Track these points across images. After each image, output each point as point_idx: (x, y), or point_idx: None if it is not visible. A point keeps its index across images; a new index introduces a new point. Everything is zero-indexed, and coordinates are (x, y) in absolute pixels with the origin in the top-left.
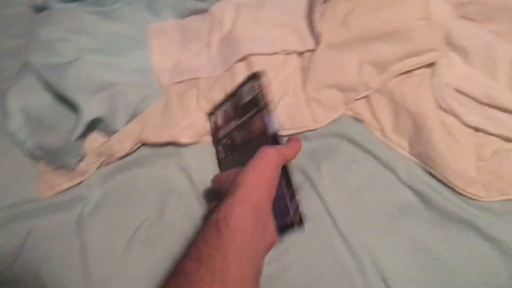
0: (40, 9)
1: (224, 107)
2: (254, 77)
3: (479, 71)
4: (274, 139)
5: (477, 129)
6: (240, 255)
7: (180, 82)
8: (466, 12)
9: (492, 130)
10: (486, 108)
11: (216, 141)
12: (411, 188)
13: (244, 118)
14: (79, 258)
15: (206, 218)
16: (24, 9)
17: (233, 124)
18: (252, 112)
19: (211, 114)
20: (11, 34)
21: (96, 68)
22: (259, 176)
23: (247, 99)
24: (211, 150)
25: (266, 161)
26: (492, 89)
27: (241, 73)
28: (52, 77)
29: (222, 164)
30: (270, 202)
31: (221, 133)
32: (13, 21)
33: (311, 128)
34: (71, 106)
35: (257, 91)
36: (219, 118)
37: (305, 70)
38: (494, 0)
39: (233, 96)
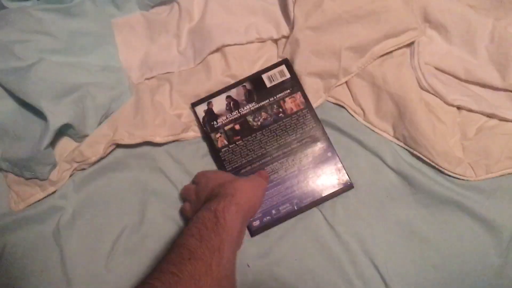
0: None
1: (225, 95)
2: (282, 62)
3: (458, 47)
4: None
5: (459, 108)
6: (231, 244)
7: (151, 77)
8: None
9: (474, 108)
10: (467, 85)
11: (212, 130)
12: (397, 171)
13: (266, 101)
14: (60, 271)
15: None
16: None
17: (246, 108)
18: (281, 94)
19: (196, 104)
20: None
21: (60, 70)
22: (255, 191)
23: (277, 81)
24: (188, 147)
25: (260, 184)
26: (472, 65)
27: (216, 65)
28: (13, 82)
29: (222, 152)
30: (253, 215)
31: (222, 120)
32: None
33: None
34: (37, 112)
35: (289, 74)
36: (216, 106)
37: (280, 57)
38: None
39: (243, 82)
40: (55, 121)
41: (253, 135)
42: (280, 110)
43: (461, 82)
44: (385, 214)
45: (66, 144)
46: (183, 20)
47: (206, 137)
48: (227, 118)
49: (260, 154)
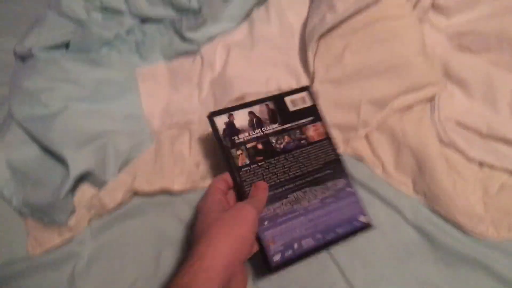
0: (23, 57)
1: (247, 110)
2: (305, 89)
3: (480, 103)
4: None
5: (481, 164)
6: None
7: (171, 126)
8: (463, 42)
9: (497, 164)
10: (489, 141)
11: (233, 145)
12: (417, 227)
13: (289, 125)
14: None
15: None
16: (5, 56)
17: (269, 128)
18: (304, 120)
19: (216, 114)
20: None
21: (84, 118)
22: (238, 231)
23: (299, 107)
24: None
25: (245, 215)
26: (494, 121)
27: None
28: (38, 129)
29: (242, 171)
30: (243, 260)
31: (244, 136)
32: None
33: None
34: (58, 161)
35: (311, 102)
36: (239, 119)
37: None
38: (491, 29)
39: (265, 101)
40: (76, 169)
41: (276, 158)
42: (303, 136)
43: (482, 137)
44: (404, 271)
45: (85, 190)
46: (205, 71)
47: (223, 152)
48: (249, 135)
49: (283, 179)
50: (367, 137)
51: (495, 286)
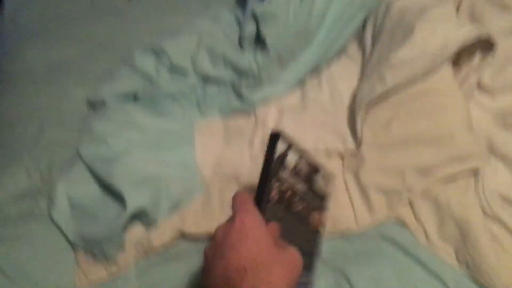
0: (95, 106)
1: (302, 156)
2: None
3: None
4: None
5: None
6: None
7: (221, 177)
8: (508, 121)
9: None
10: None
11: (275, 175)
12: None
13: (308, 197)
14: None
15: None
16: (78, 104)
17: (299, 185)
18: (319, 201)
19: (278, 137)
20: (65, 127)
21: (143, 162)
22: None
23: (320, 186)
24: None
25: (297, 262)
26: None
27: None
28: (101, 168)
29: (270, 204)
30: None
31: (286, 175)
32: (68, 115)
33: (353, 229)
34: (115, 198)
35: (328, 189)
36: (289, 158)
37: (346, 171)
38: None
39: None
40: (133, 204)
41: (290, 215)
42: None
43: None
44: None
45: (136, 231)
46: (258, 128)
47: (263, 173)
48: (291, 178)
49: (285, 239)
50: (411, 203)
51: None
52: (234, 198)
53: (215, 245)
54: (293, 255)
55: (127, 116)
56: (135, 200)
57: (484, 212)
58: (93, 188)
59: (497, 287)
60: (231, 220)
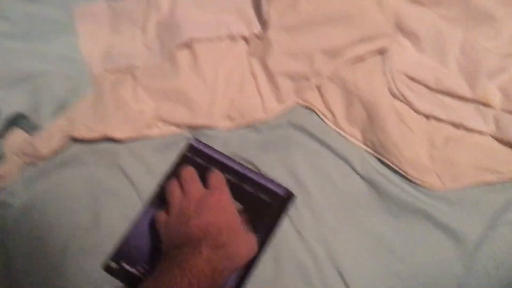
0: None
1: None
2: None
3: (429, 56)
4: None
5: (428, 117)
6: None
7: (113, 70)
8: None
9: (443, 117)
10: (437, 94)
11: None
12: (365, 178)
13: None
14: (3, 276)
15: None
16: None
17: None
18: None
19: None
20: None
21: (15, 56)
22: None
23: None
24: (151, 145)
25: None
26: (442, 74)
27: (184, 60)
28: None
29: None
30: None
31: None
32: None
33: (261, 118)
34: None
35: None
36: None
37: (251, 56)
38: None
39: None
40: (7, 109)
41: None
42: None
43: (431, 91)
44: (353, 221)
45: (16, 136)
46: (151, 12)
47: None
48: None
49: None
50: (319, 88)
51: (438, 234)
52: (214, 177)
53: (191, 204)
54: (253, 238)
55: None
56: (9, 103)
57: (391, 92)
58: None
59: (402, 165)
60: (209, 191)
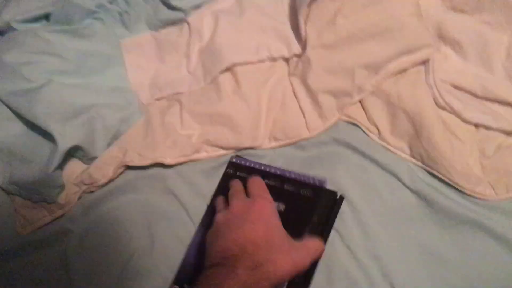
0: (1, 31)
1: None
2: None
3: (474, 64)
4: None
5: (477, 125)
6: None
7: (160, 98)
8: (456, 4)
9: (493, 125)
10: (485, 102)
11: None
12: (414, 191)
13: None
14: None
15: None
16: None
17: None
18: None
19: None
20: None
21: (69, 92)
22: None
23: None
24: (200, 168)
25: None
26: (489, 81)
27: (226, 84)
28: (21, 105)
29: None
30: None
31: None
32: None
33: (306, 137)
34: (46, 134)
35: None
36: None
37: (292, 76)
38: None
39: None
40: (64, 143)
41: None
42: None
43: (478, 99)
44: (403, 235)
45: (74, 167)
46: (193, 40)
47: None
48: None
49: None
50: (361, 102)
51: (494, 246)
52: (253, 182)
53: (232, 217)
54: (296, 253)
55: (41, 41)
56: (66, 137)
57: (436, 102)
58: (19, 127)
59: (452, 177)
60: (250, 200)
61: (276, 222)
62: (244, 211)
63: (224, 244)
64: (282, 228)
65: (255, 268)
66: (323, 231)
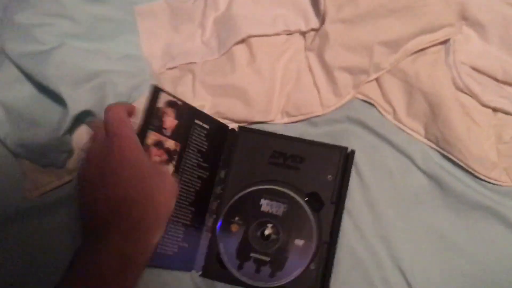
0: None
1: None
2: None
3: (496, 47)
4: None
5: (495, 110)
6: None
7: (173, 67)
8: None
9: (511, 110)
10: (505, 86)
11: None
12: (427, 174)
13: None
14: None
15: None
16: None
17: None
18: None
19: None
20: None
21: (81, 56)
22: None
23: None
24: None
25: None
26: (510, 65)
27: (241, 56)
28: (33, 67)
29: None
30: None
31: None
32: None
33: (319, 114)
34: (56, 98)
35: None
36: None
37: (308, 51)
38: None
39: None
40: (75, 107)
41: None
42: None
43: (498, 83)
44: (414, 218)
45: (83, 133)
46: (209, 9)
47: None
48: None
49: None
50: (378, 80)
51: (506, 231)
52: (109, 115)
53: (93, 168)
54: (170, 179)
55: (54, 3)
56: (77, 101)
57: (455, 84)
58: (29, 89)
59: (467, 160)
60: (107, 142)
61: (141, 156)
62: (104, 157)
63: (95, 209)
64: (148, 162)
65: (132, 229)
66: (340, 190)
